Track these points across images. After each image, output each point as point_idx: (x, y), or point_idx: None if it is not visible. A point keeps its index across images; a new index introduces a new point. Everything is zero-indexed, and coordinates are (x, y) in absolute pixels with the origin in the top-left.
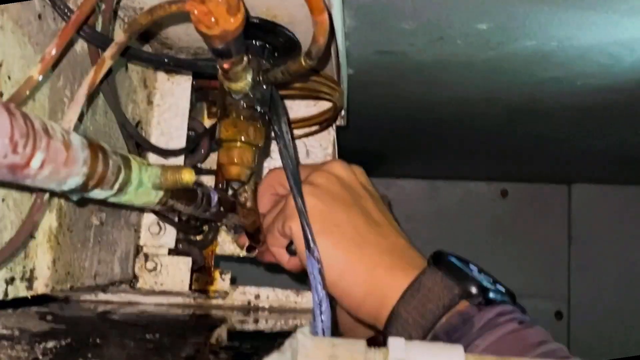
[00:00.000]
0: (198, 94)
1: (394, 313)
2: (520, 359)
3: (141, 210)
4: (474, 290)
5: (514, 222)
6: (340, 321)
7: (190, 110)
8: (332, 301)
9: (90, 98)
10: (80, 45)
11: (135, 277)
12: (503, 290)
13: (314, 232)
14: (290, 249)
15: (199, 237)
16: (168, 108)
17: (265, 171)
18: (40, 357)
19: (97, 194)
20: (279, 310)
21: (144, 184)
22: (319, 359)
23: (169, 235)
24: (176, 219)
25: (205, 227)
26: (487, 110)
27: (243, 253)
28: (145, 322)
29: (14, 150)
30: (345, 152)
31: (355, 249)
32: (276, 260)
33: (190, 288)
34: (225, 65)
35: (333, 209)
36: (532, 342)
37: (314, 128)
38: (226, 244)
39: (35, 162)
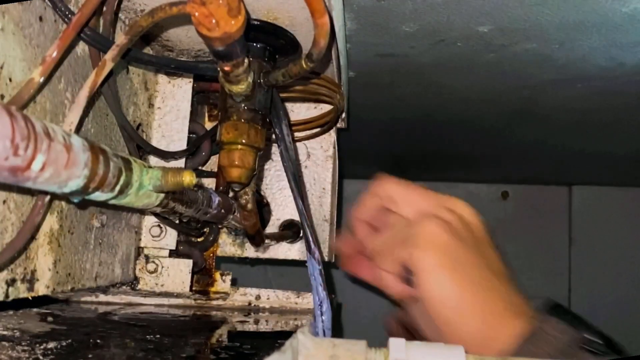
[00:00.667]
0: (199, 97)
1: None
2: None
3: (142, 212)
4: (595, 337)
5: (514, 223)
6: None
7: (191, 113)
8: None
9: (92, 100)
10: (82, 48)
11: (136, 279)
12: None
13: (435, 264)
14: (407, 278)
15: (199, 239)
16: (169, 110)
17: (265, 172)
18: (41, 357)
19: (98, 196)
20: (280, 311)
21: (144, 186)
22: (319, 359)
23: (170, 237)
24: (177, 221)
25: (206, 229)
26: (487, 112)
27: (244, 254)
28: (145, 323)
29: (15, 152)
30: (346, 154)
31: (473, 290)
32: (376, 282)
33: (191, 289)
34: (226, 68)
35: (458, 246)
36: None
37: (315, 130)
38: (227, 245)
39: (36, 165)
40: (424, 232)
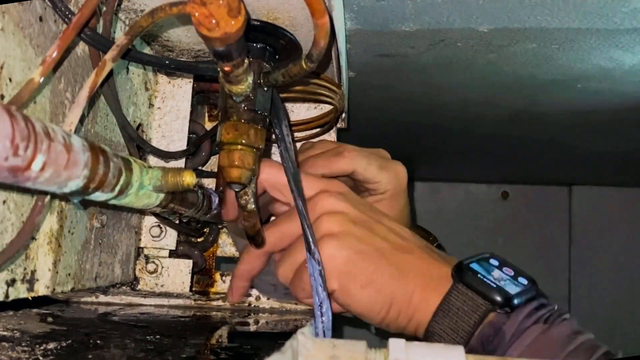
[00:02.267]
0: (199, 97)
1: (429, 331)
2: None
3: (142, 212)
4: (498, 299)
5: (514, 224)
6: None
7: (191, 113)
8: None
9: (92, 101)
10: (82, 48)
11: (136, 279)
12: (525, 282)
13: (353, 288)
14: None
15: (199, 239)
16: (169, 111)
17: None
18: (41, 358)
19: (98, 196)
20: (280, 311)
21: (144, 186)
22: None
23: (170, 237)
24: (177, 221)
25: (206, 230)
26: (487, 112)
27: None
28: (145, 324)
29: (15, 152)
30: None
31: (396, 284)
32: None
33: (191, 290)
34: (226, 68)
35: (358, 260)
36: (560, 340)
37: (315, 130)
38: (227, 246)
39: (36, 165)
40: (324, 258)
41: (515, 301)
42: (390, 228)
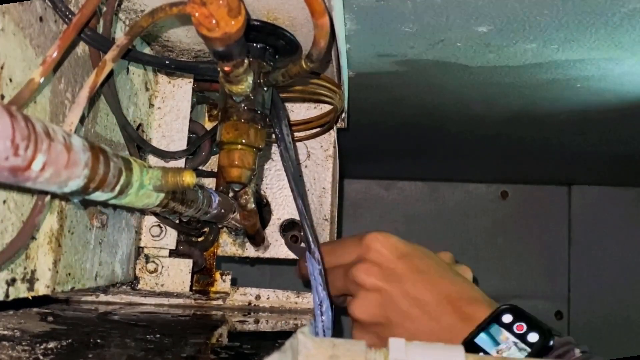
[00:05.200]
0: (199, 97)
1: None
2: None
3: (142, 212)
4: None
5: (514, 223)
6: None
7: (191, 113)
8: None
9: (92, 101)
10: (82, 48)
11: (136, 279)
12: (535, 339)
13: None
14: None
15: (199, 239)
16: (169, 111)
17: (265, 172)
18: (41, 357)
19: (98, 196)
20: (280, 310)
21: (145, 186)
22: (319, 359)
23: (170, 236)
24: (177, 221)
25: (206, 229)
26: (487, 112)
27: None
28: (145, 323)
29: (15, 152)
30: (346, 154)
31: (433, 326)
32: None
33: (191, 289)
34: (226, 68)
35: (392, 324)
36: None
37: (315, 130)
38: (227, 245)
39: (37, 165)
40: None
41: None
42: (415, 299)
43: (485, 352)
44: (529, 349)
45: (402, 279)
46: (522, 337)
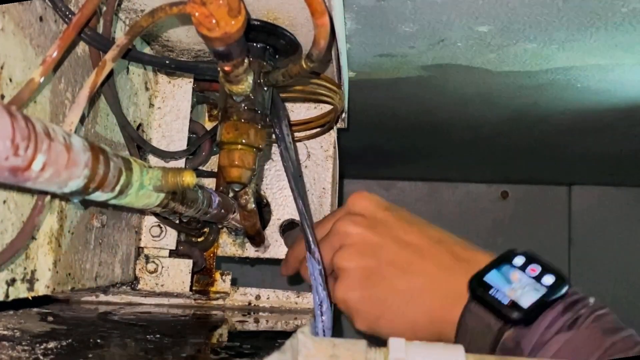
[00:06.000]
0: (199, 97)
1: None
2: (519, 359)
3: (142, 212)
4: (512, 316)
5: (514, 223)
6: None
7: (191, 113)
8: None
9: (92, 100)
10: (82, 48)
11: (136, 279)
12: (551, 281)
13: (373, 323)
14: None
15: (199, 239)
16: (169, 110)
17: (265, 172)
18: (41, 357)
19: (98, 196)
20: (280, 310)
21: (144, 186)
22: (319, 359)
23: (170, 237)
24: (177, 221)
25: (206, 229)
26: (487, 112)
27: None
28: (145, 323)
29: (15, 152)
30: (346, 154)
31: (412, 310)
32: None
33: (191, 289)
34: (227, 68)
35: (368, 299)
36: (587, 346)
37: (315, 130)
38: (227, 245)
39: (37, 165)
40: (339, 302)
41: (532, 314)
42: (406, 242)
43: (497, 290)
44: (545, 290)
45: (390, 226)
46: (537, 279)
